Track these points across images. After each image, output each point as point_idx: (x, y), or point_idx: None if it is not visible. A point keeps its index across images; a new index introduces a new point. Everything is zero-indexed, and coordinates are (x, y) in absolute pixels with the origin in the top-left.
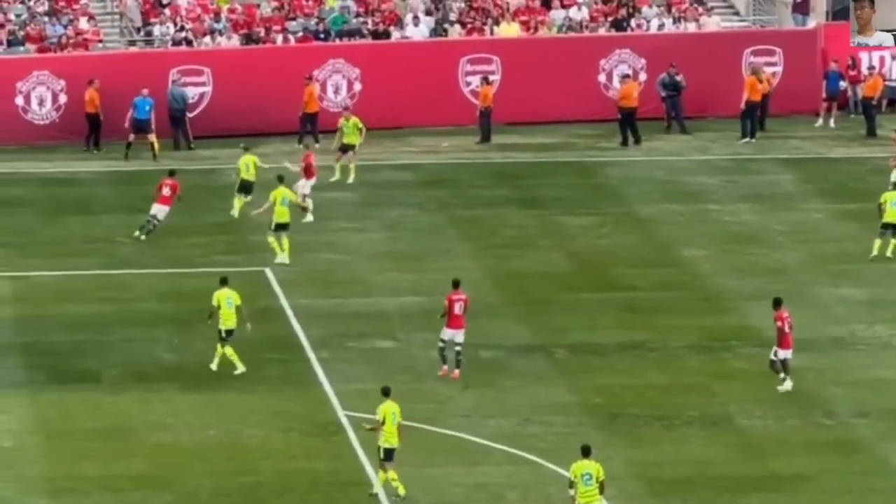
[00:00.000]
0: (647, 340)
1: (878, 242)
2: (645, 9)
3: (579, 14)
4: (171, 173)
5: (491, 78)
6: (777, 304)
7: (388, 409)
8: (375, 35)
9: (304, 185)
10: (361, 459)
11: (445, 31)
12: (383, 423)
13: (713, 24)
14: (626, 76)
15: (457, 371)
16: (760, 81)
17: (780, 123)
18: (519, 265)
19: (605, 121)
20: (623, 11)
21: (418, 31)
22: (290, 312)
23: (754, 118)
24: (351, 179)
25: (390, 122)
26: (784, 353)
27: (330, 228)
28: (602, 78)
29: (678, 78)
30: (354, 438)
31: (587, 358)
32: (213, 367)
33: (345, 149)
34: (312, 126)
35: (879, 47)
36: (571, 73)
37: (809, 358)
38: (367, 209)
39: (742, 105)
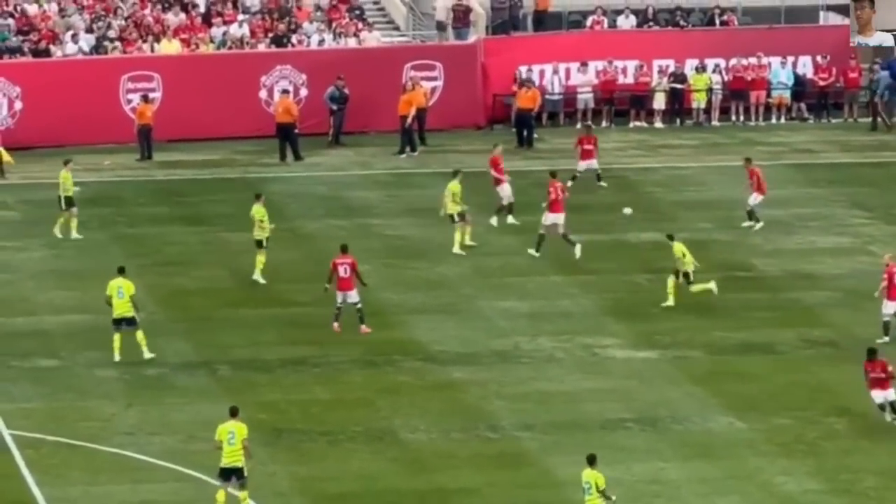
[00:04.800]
0: (310, 356)
1: (671, 283)
2: (305, 24)
3: (240, 31)
4: None
5: (151, 95)
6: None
7: (225, 430)
8: (35, 53)
9: None
10: (27, 480)
11: (106, 48)
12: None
13: (373, 39)
14: (284, 91)
15: (363, 326)
16: (403, 92)
17: (440, 137)
18: (182, 282)
19: (266, 137)
20: (283, 27)
21: (78, 48)
22: None
23: (412, 132)
24: None
25: (52, 140)
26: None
27: None
28: (263, 94)
29: (346, 90)
30: (20, 458)
31: (251, 374)
32: None
33: None
34: None
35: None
36: (233, 90)
37: (473, 371)
38: (29, 227)
39: (409, 120)
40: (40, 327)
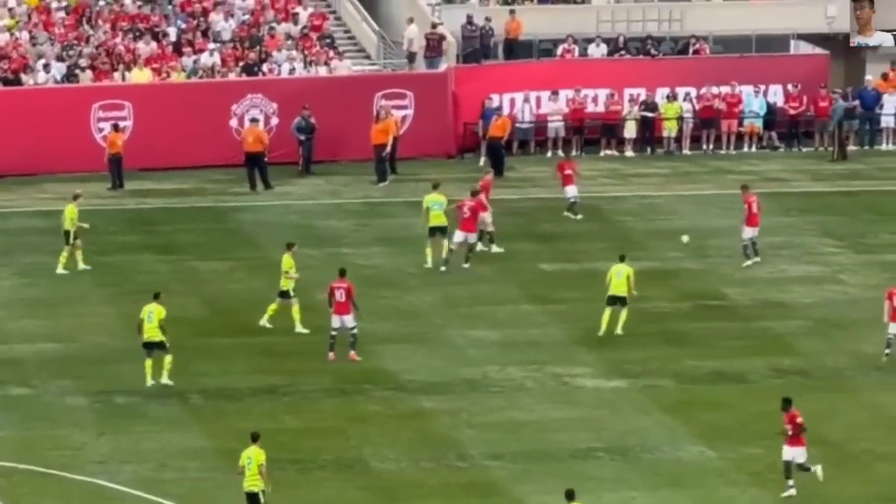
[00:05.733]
0: (281, 384)
1: (606, 314)
2: (276, 53)
3: (210, 59)
4: None
5: (122, 124)
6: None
7: (245, 455)
8: (6, 81)
9: None
10: None
11: (77, 77)
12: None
13: (344, 67)
14: (253, 120)
15: (352, 352)
16: (376, 121)
17: (411, 166)
18: None
19: (237, 165)
20: (254, 56)
21: (50, 77)
22: None
23: (383, 162)
24: None
25: (23, 168)
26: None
27: None
28: (234, 123)
29: (312, 120)
30: None
31: (222, 402)
32: None
33: None
34: None
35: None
36: (203, 119)
37: (443, 400)
38: (0, 256)
39: (388, 149)
40: (11, 356)
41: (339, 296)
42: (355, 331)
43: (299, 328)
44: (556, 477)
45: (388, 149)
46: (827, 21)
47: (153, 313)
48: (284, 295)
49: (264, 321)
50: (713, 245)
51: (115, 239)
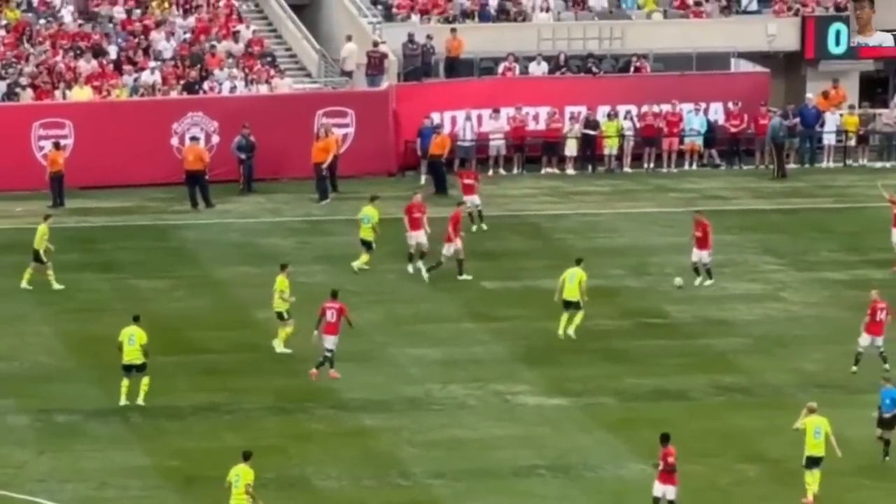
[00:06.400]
0: (223, 402)
1: (563, 318)
2: (217, 71)
3: (152, 77)
4: None
5: (63, 142)
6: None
7: (234, 472)
8: None
9: None
10: None
11: (17, 95)
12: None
13: (285, 86)
14: (193, 139)
15: (332, 370)
16: (317, 139)
17: (352, 184)
18: (94, 329)
19: (178, 184)
20: (195, 74)
21: None
22: None
23: (324, 179)
24: None
25: None
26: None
27: None
28: (175, 141)
29: (252, 139)
30: None
31: (163, 421)
32: None
33: None
34: None
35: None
36: (144, 137)
37: (385, 419)
38: None
39: (325, 167)
40: None
41: (330, 316)
42: (331, 353)
43: (280, 348)
44: (498, 495)
45: (326, 165)
46: (768, 39)
47: (134, 336)
48: (280, 316)
49: (281, 348)
50: (655, 263)
51: (56, 257)
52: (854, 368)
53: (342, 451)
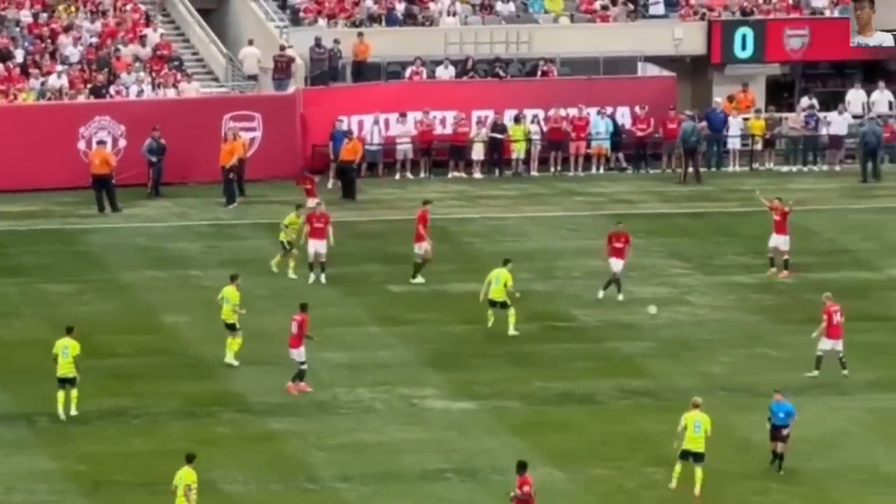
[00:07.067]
0: (130, 407)
1: (490, 313)
2: (124, 75)
3: (58, 81)
4: None
5: None
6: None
7: (178, 475)
8: None
9: None
10: None
11: None
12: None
13: (192, 90)
14: (100, 142)
15: (302, 383)
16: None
17: (259, 188)
18: (2, 334)
19: (85, 188)
20: (102, 78)
21: None
22: None
23: (232, 183)
24: None
25: None
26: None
27: None
28: (82, 145)
29: (163, 142)
30: None
31: (70, 426)
32: None
33: None
34: None
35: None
36: (51, 141)
37: (292, 422)
38: None
39: (230, 168)
40: None
41: (294, 328)
42: (304, 366)
43: (230, 359)
44: (405, 499)
45: (229, 167)
46: (674, 43)
47: (68, 349)
48: (231, 327)
49: (230, 358)
50: (562, 266)
51: None
52: (815, 373)
53: (249, 456)
